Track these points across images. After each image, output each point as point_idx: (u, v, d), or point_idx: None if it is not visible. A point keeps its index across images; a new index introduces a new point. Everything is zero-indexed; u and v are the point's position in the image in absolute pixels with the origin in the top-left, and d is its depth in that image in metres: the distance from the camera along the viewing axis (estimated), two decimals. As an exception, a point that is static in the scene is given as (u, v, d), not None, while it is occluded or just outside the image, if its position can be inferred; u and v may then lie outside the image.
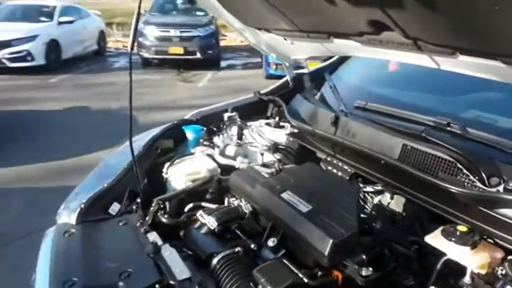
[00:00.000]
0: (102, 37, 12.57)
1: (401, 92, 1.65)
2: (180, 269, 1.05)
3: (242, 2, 1.52)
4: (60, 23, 10.47)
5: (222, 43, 11.08)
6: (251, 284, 0.97)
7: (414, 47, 1.09)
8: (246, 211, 1.29)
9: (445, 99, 1.51)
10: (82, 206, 1.32)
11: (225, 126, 1.91)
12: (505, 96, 1.39)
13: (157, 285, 0.99)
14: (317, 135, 1.56)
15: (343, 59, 2.10)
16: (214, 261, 1.08)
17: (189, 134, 1.83)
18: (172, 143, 1.79)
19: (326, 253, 1.00)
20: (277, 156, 1.76)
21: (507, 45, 0.84)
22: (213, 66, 10.33)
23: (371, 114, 1.54)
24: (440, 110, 1.40)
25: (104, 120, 5.96)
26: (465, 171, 1.12)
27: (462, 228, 1.03)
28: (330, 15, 1.18)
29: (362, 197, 1.50)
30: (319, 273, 1.07)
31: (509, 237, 1.02)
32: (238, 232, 1.26)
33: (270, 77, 7.99)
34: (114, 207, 1.37)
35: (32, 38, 9.51)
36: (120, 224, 1.30)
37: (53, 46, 9.90)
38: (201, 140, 1.81)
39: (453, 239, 1.02)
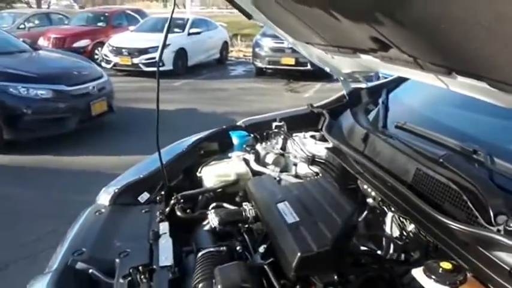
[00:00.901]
0: (225, 47, 13.60)
1: (447, 116, 1.50)
2: (165, 257, 1.16)
3: (284, 18, 1.56)
4: (189, 33, 11.66)
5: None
6: (213, 281, 1.02)
7: (417, 65, 1.02)
8: (249, 215, 1.34)
9: (490, 129, 1.34)
10: (116, 190, 1.52)
11: (271, 135, 1.96)
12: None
13: (140, 267, 1.11)
14: (344, 150, 1.52)
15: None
16: (198, 255, 1.16)
17: (235, 139, 1.93)
18: (217, 146, 1.91)
19: (293, 265, 1.00)
20: (314, 168, 1.75)
21: (482, 66, 0.75)
22: (323, 78, 10.32)
23: (405, 133, 1.45)
24: (478, 138, 1.25)
25: (206, 121, 6.45)
26: (469, 204, 1.00)
27: (446, 265, 0.93)
28: (341, 30, 1.17)
29: (399, 222, 1.42)
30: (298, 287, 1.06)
31: (503, 282, 0.89)
32: (245, 235, 1.31)
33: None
34: (144, 196, 1.55)
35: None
36: (143, 211, 1.46)
37: (181, 54, 11.08)
38: (245, 146, 1.89)
39: (433, 277, 0.92)
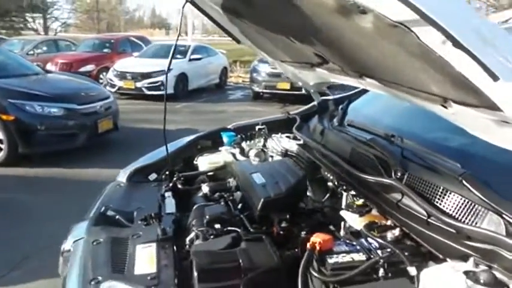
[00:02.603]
0: (224, 72, 14.27)
1: (382, 115, 1.99)
2: (170, 208, 1.61)
3: (262, 41, 2.06)
4: (190, 59, 12.31)
5: (330, 81, 11.60)
6: (203, 217, 1.47)
7: (345, 73, 1.50)
8: (232, 186, 1.80)
9: (409, 122, 1.82)
10: (131, 171, 1.99)
11: (254, 135, 2.44)
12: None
13: (153, 214, 1.55)
14: (307, 143, 1.99)
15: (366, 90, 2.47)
16: (194, 207, 1.61)
17: (225, 138, 2.40)
18: (211, 143, 2.38)
19: (258, 207, 1.45)
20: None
21: (371, 69, 1.23)
22: (308, 101, 10.87)
23: (352, 128, 1.92)
24: (399, 128, 1.73)
25: (205, 140, 6.92)
26: (379, 166, 1.47)
27: (359, 202, 1.39)
28: (297, 49, 1.66)
29: (350, 199, 1.87)
30: (264, 227, 1.51)
31: (395, 213, 1.34)
32: (230, 203, 1.76)
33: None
34: (153, 176, 2.02)
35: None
36: (152, 185, 1.92)
37: (182, 78, 11.68)
38: (233, 143, 2.36)
39: (350, 209, 1.38)
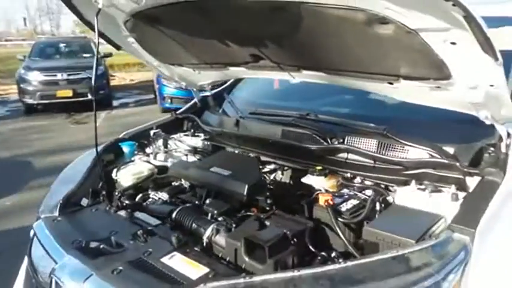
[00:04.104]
0: (-28, 87, 11.76)
1: (279, 99, 2.42)
2: (153, 220, 1.59)
3: (162, 45, 2.09)
4: None
5: (112, 83, 11.25)
6: (203, 215, 1.56)
7: (278, 68, 1.82)
8: (186, 186, 1.87)
9: (310, 101, 2.31)
10: (61, 201, 1.75)
11: (153, 140, 2.45)
12: (350, 97, 2.22)
13: (140, 231, 1.50)
14: (226, 134, 2.22)
15: (237, 81, 2.81)
16: (174, 213, 1.64)
17: (125, 149, 2.32)
18: (113, 156, 2.27)
19: (244, 193, 1.63)
20: (198, 156, 2.36)
21: (313, 60, 1.62)
22: (105, 106, 10.41)
23: (260, 116, 2.25)
24: (305, 107, 2.17)
25: None
26: (317, 137, 1.88)
27: (319, 168, 1.77)
28: (226, 52, 1.85)
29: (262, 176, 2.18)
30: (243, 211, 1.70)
31: (344, 169, 1.79)
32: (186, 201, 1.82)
33: (166, 110, 8.06)
34: (85, 201, 1.84)
35: None
36: (93, 210, 1.77)
37: None
38: (135, 152, 2.32)
39: (314, 174, 1.74)
